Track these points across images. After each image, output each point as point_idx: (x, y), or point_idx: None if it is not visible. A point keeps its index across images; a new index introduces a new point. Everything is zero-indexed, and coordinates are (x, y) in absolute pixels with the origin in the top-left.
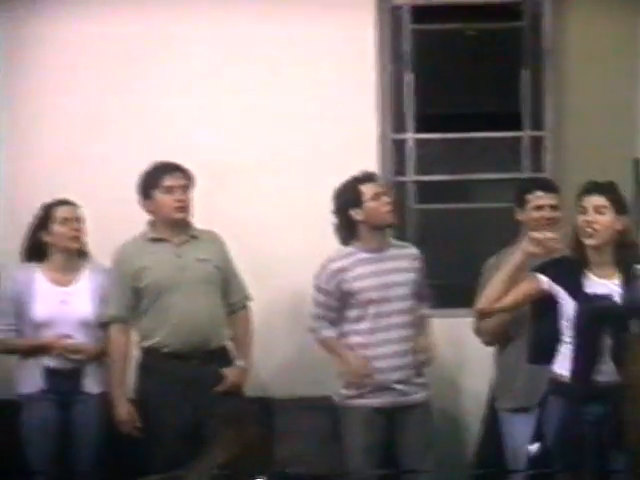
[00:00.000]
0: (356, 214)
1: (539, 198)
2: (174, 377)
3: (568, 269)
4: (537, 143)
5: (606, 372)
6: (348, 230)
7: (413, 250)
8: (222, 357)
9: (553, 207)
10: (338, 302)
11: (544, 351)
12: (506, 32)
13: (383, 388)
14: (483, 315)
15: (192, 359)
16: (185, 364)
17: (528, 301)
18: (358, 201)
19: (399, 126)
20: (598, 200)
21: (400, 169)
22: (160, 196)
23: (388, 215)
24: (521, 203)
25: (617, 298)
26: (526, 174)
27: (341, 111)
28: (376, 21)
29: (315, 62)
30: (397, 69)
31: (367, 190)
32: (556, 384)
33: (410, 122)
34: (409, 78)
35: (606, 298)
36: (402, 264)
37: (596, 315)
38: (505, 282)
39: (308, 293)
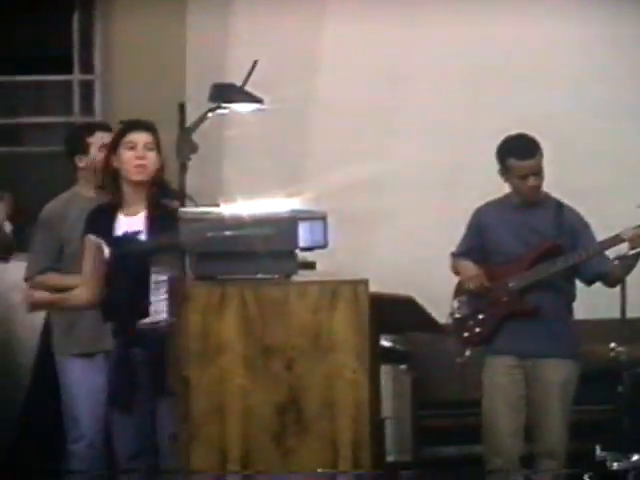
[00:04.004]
0: None
1: (104, 138)
2: None
3: (102, 217)
4: (87, 86)
5: (157, 312)
6: None
7: None
8: None
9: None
10: None
11: None
12: None
13: None
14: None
15: None
16: None
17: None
18: None
19: None
20: (147, 137)
21: None
22: None
23: None
24: (83, 149)
25: (143, 234)
26: (77, 118)
27: None
28: None
29: None
30: None
31: None
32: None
33: None
34: None
35: (133, 236)
36: None
37: (125, 256)
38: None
39: None
